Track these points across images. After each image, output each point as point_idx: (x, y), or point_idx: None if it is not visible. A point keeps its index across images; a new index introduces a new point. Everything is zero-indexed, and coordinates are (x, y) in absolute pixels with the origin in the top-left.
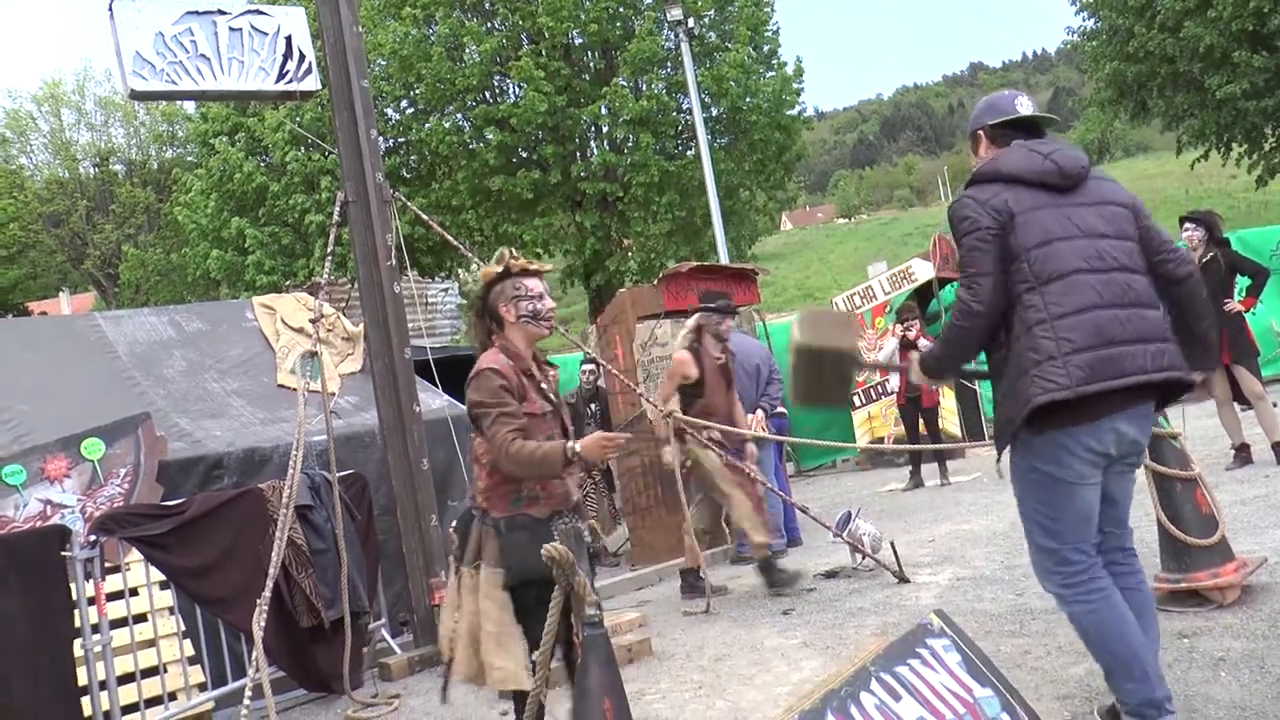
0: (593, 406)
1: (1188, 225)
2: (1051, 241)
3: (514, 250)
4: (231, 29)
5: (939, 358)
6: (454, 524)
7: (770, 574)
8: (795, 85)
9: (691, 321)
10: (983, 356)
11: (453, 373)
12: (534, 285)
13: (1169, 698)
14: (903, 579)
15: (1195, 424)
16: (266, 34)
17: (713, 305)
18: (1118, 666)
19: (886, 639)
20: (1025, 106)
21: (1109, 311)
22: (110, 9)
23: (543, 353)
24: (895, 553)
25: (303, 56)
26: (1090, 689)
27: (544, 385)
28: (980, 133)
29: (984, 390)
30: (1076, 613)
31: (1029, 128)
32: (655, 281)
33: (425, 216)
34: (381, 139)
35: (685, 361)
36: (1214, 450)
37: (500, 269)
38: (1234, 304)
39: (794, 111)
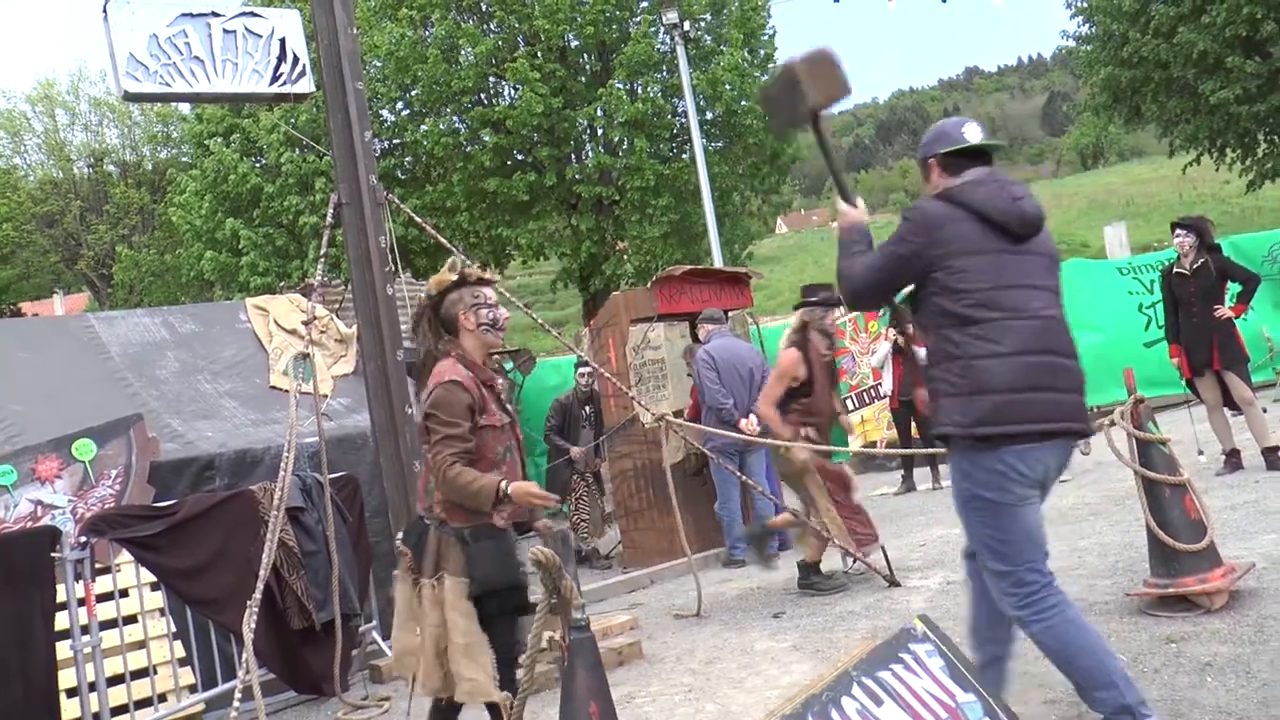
0: (588, 409)
1: (1179, 231)
2: (992, 288)
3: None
4: (226, 31)
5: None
6: (400, 536)
7: (806, 574)
8: None
9: (795, 319)
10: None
11: None
12: (490, 294)
13: (1142, 701)
14: (893, 583)
15: (1188, 429)
16: (261, 36)
17: (815, 299)
18: (1086, 679)
19: (870, 643)
20: (974, 134)
21: (1035, 359)
22: (104, 10)
23: (507, 357)
24: (886, 557)
25: (296, 59)
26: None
27: (501, 396)
28: (931, 161)
29: None
30: (1037, 632)
31: (978, 155)
32: (649, 285)
33: (419, 219)
34: (377, 140)
35: (795, 361)
36: (1205, 455)
37: (455, 277)
38: (1224, 310)
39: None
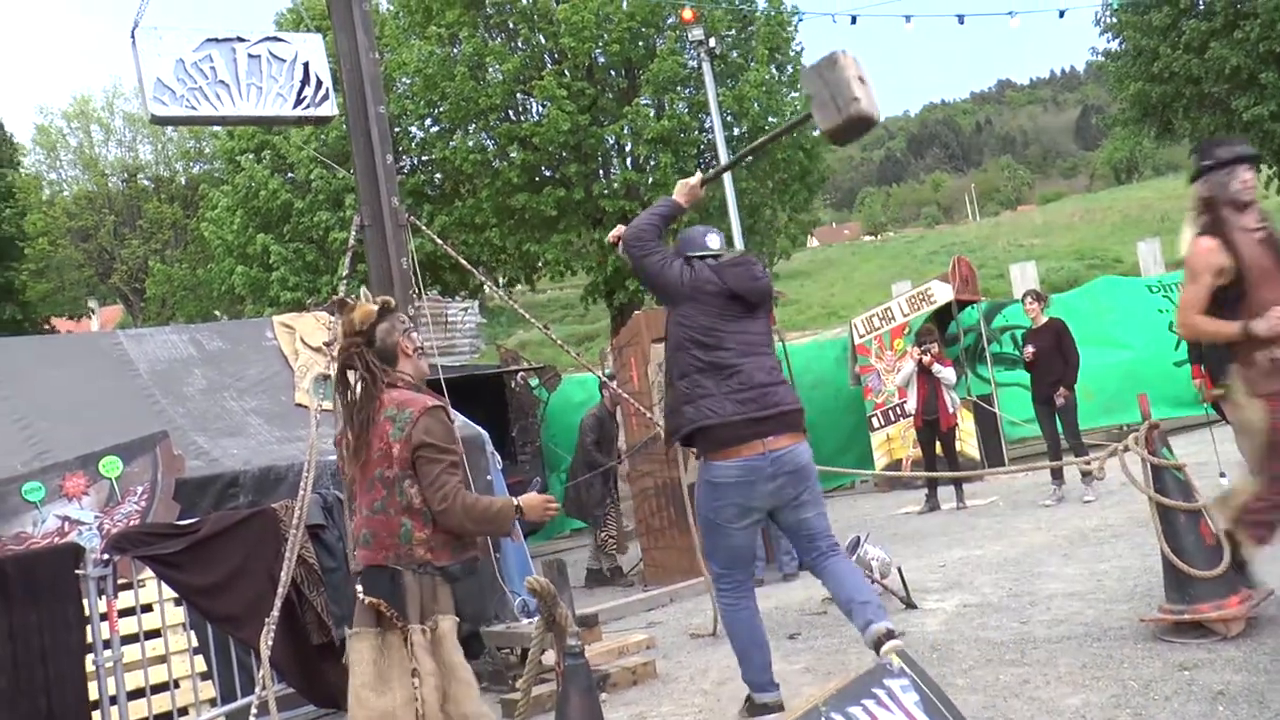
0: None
1: None
2: (719, 334)
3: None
4: (250, 55)
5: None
6: (360, 588)
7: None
8: None
9: (1196, 196)
10: None
11: (469, 392)
12: (407, 319)
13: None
14: (910, 605)
15: (1210, 450)
16: (284, 60)
17: (1210, 162)
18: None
19: (845, 678)
20: (714, 243)
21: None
22: (132, 36)
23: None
24: (903, 579)
25: (320, 83)
26: None
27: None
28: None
29: (1004, 413)
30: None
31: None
32: None
33: (438, 240)
34: (406, 157)
35: (1209, 249)
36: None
37: (377, 307)
38: None
39: (816, 132)
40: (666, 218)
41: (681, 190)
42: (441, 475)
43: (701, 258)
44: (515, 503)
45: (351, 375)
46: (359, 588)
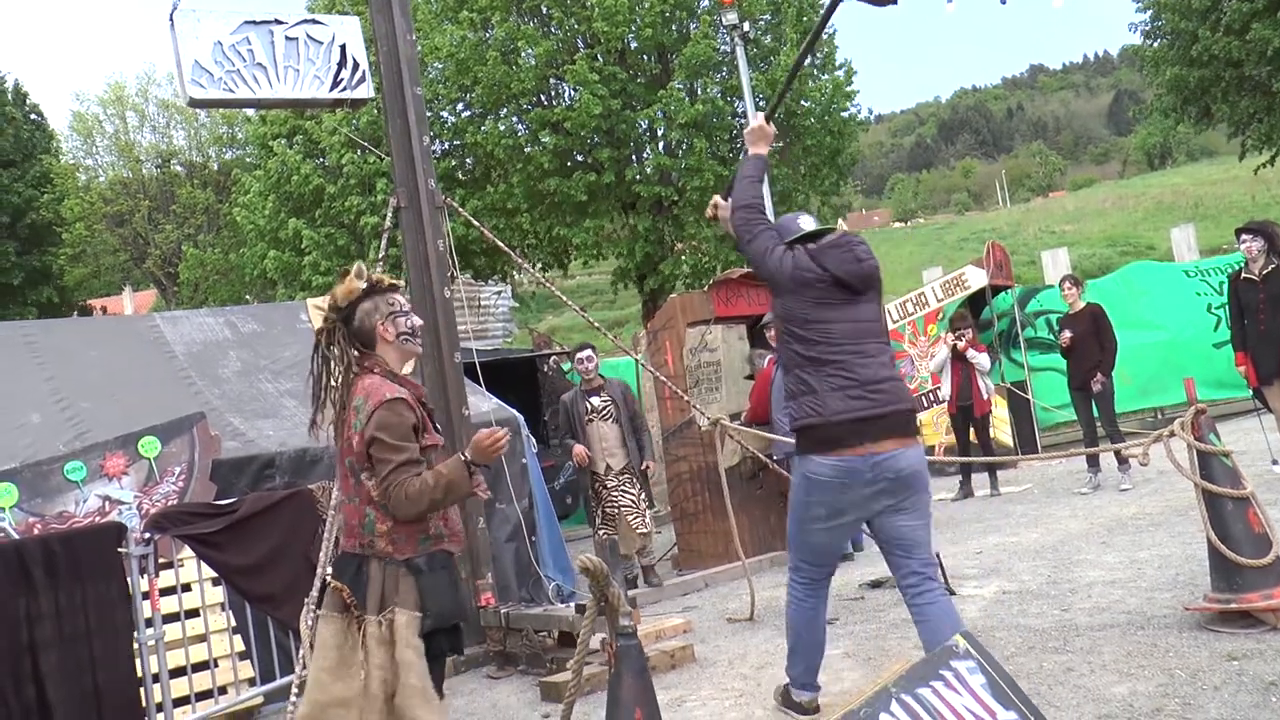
0: (595, 401)
1: (1245, 236)
2: (818, 325)
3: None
4: (288, 38)
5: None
6: (329, 571)
7: None
8: (847, 88)
9: None
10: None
11: (502, 375)
12: (403, 300)
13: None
14: (949, 591)
15: (1259, 437)
16: (321, 43)
17: None
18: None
19: (910, 660)
20: (807, 224)
21: (857, 390)
22: (171, 19)
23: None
24: (941, 565)
25: (356, 65)
26: (1133, 708)
27: (433, 413)
28: None
29: (1037, 399)
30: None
31: (819, 234)
32: (705, 288)
33: (475, 221)
34: (438, 142)
35: None
36: None
37: (364, 285)
38: None
39: (846, 114)
40: (760, 177)
41: (756, 138)
42: (390, 474)
43: (800, 241)
44: (461, 455)
45: (335, 352)
46: (329, 571)
